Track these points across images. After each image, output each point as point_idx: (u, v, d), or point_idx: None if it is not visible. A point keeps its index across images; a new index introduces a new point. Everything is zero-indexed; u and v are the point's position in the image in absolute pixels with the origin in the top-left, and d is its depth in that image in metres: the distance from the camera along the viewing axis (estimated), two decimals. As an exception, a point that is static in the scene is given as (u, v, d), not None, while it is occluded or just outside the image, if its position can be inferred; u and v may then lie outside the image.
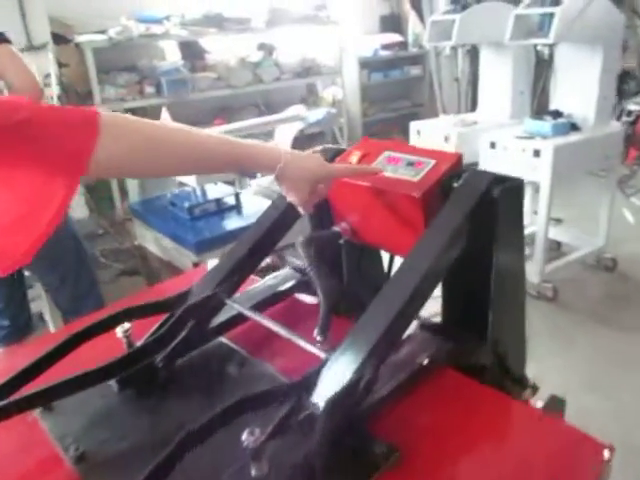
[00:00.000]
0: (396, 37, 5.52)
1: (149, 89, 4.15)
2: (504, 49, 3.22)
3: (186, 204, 2.28)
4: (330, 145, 1.10)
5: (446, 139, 3.33)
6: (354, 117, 5.45)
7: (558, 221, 3.80)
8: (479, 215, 0.84)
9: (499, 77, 3.40)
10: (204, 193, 2.38)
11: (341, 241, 1.02)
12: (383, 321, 0.77)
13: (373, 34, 5.53)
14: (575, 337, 2.70)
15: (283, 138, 3.10)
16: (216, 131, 2.73)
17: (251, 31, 4.58)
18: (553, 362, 2.50)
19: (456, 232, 0.83)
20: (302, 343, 0.82)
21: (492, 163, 3.03)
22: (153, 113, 3.91)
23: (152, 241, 2.56)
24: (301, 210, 0.92)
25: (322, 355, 0.77)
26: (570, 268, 3.22)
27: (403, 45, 5.56)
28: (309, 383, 0.72)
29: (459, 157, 0.91)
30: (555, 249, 3.48)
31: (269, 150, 0.87)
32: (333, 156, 1.05)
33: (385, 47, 5.41)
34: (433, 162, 0.92)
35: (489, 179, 0.85)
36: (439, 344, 0.87)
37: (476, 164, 3.23)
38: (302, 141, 4.05)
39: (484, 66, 3.51)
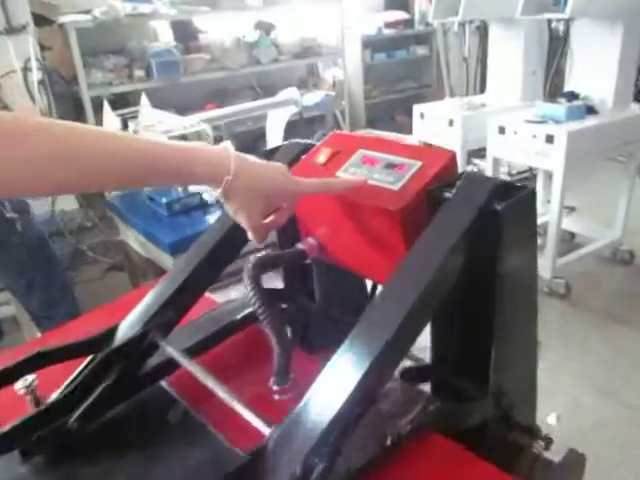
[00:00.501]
0: (401, 15, 5.25)
1: (138, 72, 3.94)
2: (515, 25, 2.98)
3: (164, 199, 2.09)
4: (298, 140, 0.90)
5: (451, 123, 3.11)
6: (356, 99, 5.20)
7: (571, 209, 3.58)
8: (478, 234, 0.64)
9: (509, 56, 3.16)
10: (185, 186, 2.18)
11: (307, 261, 0.82)
12: (349, 380, 0.57)
13: (377, 12, 5.27)
14: (590, 338, 2.50)
15: (275, 124, 2.90)
16: (202, 117, 2.52)
17: (247, 9, 4.35)
18: (567, 367, 2.31)
19: (447, 257, 0.63)
20: (243, 411, 0.62)
21: (501, 149, 2.82)
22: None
23: (133, 238, 2.38)
24: (251, 237, 0.72)
25: (265, 431, 0.58)
26: (584, 261, 3.00)
27: (409, 23, 5.29)
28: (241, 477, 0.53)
29: (452, 157, 0.71)
30: (568, 240, 3.27)
31: (213, 156, 0.66)
32: (299, 154, 0.85)
33: (389, 25, 5.14)
34: (418, 164, 0.71)
35: (490, 188, 0.64)
36: (425, 403, 0.67)
37: (483, 150, 3.02)
38: (301, 125, 3.84)
39: (493, 44, 3.26)
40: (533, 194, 0.65)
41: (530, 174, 4.05)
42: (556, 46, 3.06)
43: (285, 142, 0.91)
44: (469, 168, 4.31)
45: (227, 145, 0.65)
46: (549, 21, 2.94)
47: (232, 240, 0.84)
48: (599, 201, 3.55)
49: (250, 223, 0.69)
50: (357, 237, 0.74)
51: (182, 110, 4.17)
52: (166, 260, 2.04)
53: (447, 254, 0.61)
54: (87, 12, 3.70)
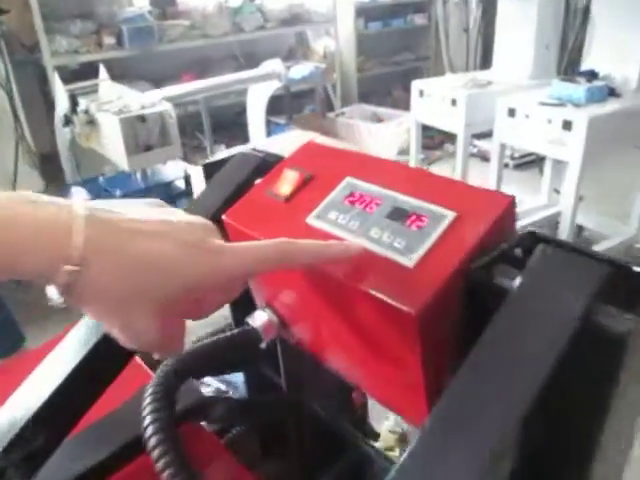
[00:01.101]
0: (399, -20, 4.87)
1: (108, 40, 3.56)
2: (528, -7, 2.65)
3: (118, 191, 1.77)
4: (250, 148, 0.59)
5: (453, 102, 2.79)
6: (349, 72, 4.84)
7: (579, 199, 3.28)
8: (571, 367, 0.33)
9: (520, 28, 2.82)
10: (145, 176, 1.86)
11: (263, 345, 0.52)
12: None
13: (372, -23, 4.87)
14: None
15: (256, 100, 2.56)
16: (169, 93, 2.17)
17: (230, -29, 3.96)
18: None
19: (516, 420, 0.32)
20: None
21: (509, 134, 2.51)
22: (114, 68, 3.34)
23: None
24: (156, 354, 0.41)
25: None
26: (595, 259, 2.72)
27: (407, -11, 4.91)
28: None
29: (508, 206, 0.40)
30: (575, 234, 2.97)
31: (38, 223, 0.32)
32: (252, 175, 0.55)
33: (385, -9, 4.77)
34: (450, 216, 0.40)
35: (597, 284, 0.33)
36: None
37: (490, 133, 2.71)
38: (287, 100, 3.51)
39: (502, 14, 2.91)
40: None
41: (536, 157, 3.75)
42: (573, 17, 2.73)
43: (236, 152, 0.60)
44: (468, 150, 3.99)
45: (77, 197, 0.36)
46: (567, -11, 2.61)
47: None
48: (610, 190, 3.25)
49: (133, 341, 0.36)
50: (339, 326, 0.44)
51: (157, 82, 3.81)
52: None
53: (516, 412, 0.31)
54: (49, -30, 3.31)
